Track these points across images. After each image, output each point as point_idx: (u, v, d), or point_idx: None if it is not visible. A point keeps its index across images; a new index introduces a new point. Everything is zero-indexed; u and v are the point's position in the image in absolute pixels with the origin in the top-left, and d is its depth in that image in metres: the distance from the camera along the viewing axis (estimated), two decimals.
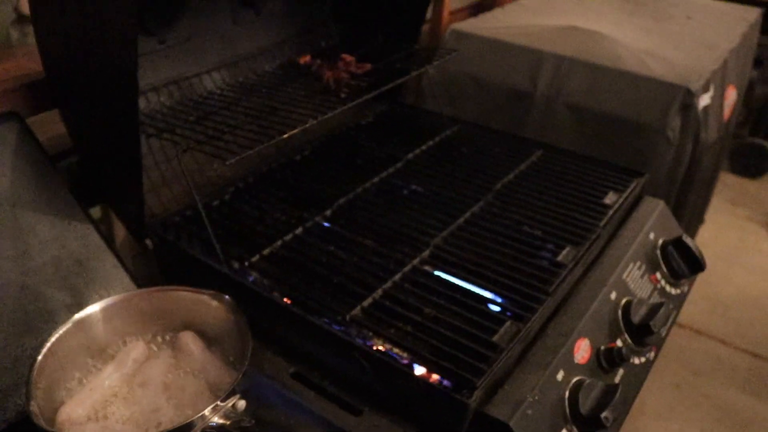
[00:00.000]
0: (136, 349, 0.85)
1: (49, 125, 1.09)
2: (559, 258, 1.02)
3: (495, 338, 0.87)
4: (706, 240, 2.38)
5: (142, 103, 1.09)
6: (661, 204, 1.19)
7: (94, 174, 1.09)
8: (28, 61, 1.06)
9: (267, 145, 0.97)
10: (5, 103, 0.97)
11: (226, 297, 0.85)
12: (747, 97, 2.48)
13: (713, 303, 2.33)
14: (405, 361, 0.85)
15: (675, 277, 1.12)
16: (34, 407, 0.70)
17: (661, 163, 1.51)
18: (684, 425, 1.91)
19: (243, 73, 1.26)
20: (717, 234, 2.68)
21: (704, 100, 1.56)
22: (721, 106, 1.73)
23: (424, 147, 1.34)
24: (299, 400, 0.88)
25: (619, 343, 0.96)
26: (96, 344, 0.84)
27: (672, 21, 1.92)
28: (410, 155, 1.31)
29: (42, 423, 0.69)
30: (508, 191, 1.19)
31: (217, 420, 0.71)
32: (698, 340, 2.25)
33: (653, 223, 1.15)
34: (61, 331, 0.79)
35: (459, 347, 0.85)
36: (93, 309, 0.84)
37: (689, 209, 1.78)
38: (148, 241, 1.07)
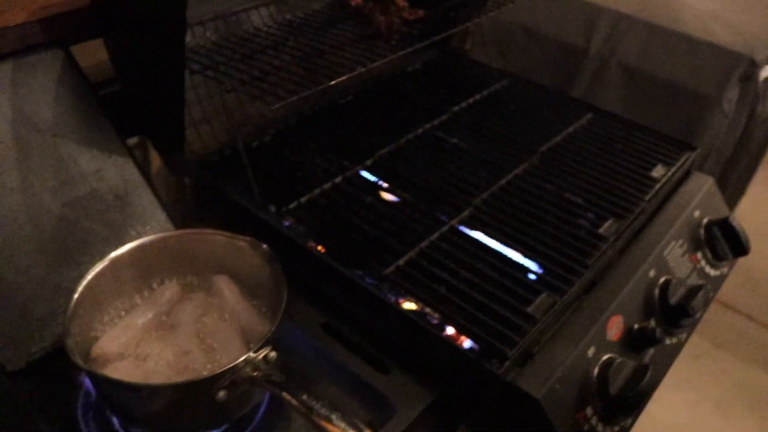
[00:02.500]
0: (170, 289, 0.86)
1: (92, 52, 1.07)
2: (601, 230, 0.99)
3: (530, 309, 0.86)
4: (744, 213, 2.31)
5: (188, 37, 1.07)
6: (710, 181, 1.15)
7: (135, 106, 1.08)
8: None
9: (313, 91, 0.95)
10: (49, 31, 0.95)
11: (264, 246, 0.84)
12: None
13: (745, 277, 2.30)
14: (436, 322, 0.85)
15: (717, 259, 1.09)
16: (70, 344, 0.71)
17: (711, 135, 1.46)
18: (700, 397, 1.92)
19: (291, 10, 1.22)
20: (757, 207, 2.61)
21: (766, 72, 1.49)
22: None
23: (470, 100, 1.30)
24: (328, 352, 0.88)
25: (653, 323, 0.94)
26: (131, 283, 0.85)
27: None
28: (456, 108, 1.27)
29: (78, 361, 0.70)
30: (554, 155, 1.16)
31: (248, 371, 0.71)
32: (725, 314, 2.23)
33: (700, 200, 1.11)
34: (98, 268, 0.80)
35: (492, 315, 0.84)
36: (129, 247, 0.84)
37: (733, 183, 1.74)
38: (185, 179, 1.07)
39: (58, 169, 0.92)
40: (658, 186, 1.09)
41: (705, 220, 1.10)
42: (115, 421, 0.80)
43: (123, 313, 0.84)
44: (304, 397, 0.67)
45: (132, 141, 1.11)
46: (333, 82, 0.97)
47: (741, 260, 1.13)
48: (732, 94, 1.43)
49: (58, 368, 0.83)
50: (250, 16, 1.17)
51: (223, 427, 0.80)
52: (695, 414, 1.93)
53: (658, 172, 1.13)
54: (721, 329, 2.17)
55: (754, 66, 1.39)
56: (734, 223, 1.08)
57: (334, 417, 0.65)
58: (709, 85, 1.43)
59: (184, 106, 0.95)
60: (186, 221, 1.02)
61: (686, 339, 1.02)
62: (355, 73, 0.99)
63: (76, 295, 0.76)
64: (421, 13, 1.17)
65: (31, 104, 0.92)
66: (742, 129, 1.51)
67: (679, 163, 1.15)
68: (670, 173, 1.12)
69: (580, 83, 1.58)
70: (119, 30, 1.00)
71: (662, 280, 0.98)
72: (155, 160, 1.23)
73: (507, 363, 0.79)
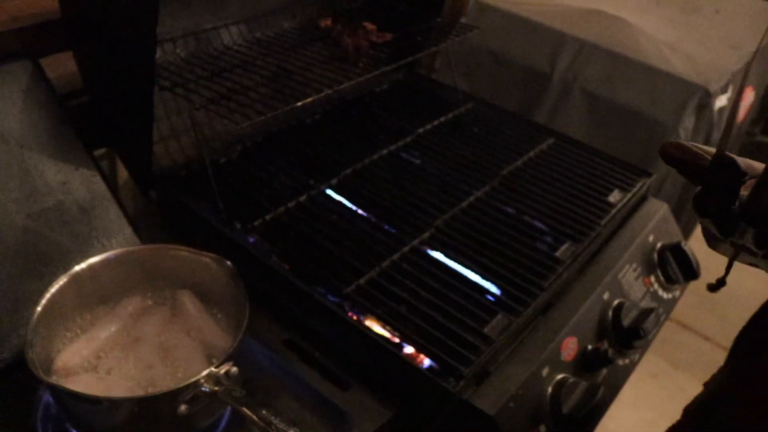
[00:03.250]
0: (134, 303, 0.86)
1: (60, 63, 1.07)
2: (558, 253, 1.03)
3: (486, 329, 0.88)
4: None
5: (158, 53, 1.08)
6: (664, 207, 1.19)
7: (103, 119, 1.08)
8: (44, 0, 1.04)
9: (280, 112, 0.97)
10: (19, 41, 0.95)
11: (228, 263, 0.85)
12: (766, 96, 2.44)
13: (702, 298, 2.36)
14: (396, 340, 0.87)
15: (669, 282, 1.13)
16: (32, 356, 0.71)
17: None
18: (656, 416, 1.96)
19: (261, 29, 1.24)
20: None
21: (721, 101, 1.55)
22: (737, 107, 1.72)
23: (436, 122, 1.33)
24: (289, 368, 0.90)
25: (605, 344, 0.98)
26: (95, 296, 0.85)
27: (699, 14, 1.89)
28: (421, 129, 1.30)
29: (40, 373, 0.70)
30: (515, 178, 1.19)
31: (209, 386, 0.72)
32: (682, 334, 2.29)
33: (654, 225, 1.15)
34: (61, 281, 0.80)
35: (450, 334, 0.87)
36: (94, 261, 0.84)
37: (690, 206, 1.79)
38: (152, 193, 1.07)
39: (24, 181, 0.92)
40: (614, 211, 1.13)
41: (658, 245, 1.14)
42: None
43: (86, 326, 0.84)
44: (264, 412, 0.69)
45: (99, 152, 1.12)
46: (300, 103, 0.99)
47: (699, 281, 1.17)
48: (688, 122, 1.49)
49: (19, 380, 0.83)
50: (221, 33, 1.18)
51: None
52: None
53: (614, 197, 1.17)
54: (678, 349, 2.22)
55: (708, 96, 1.45)
56: (686, 248, 1.12)
57: None
58: (666, 113, 1.48)
59: (152, 122, 0.96)
60: (152, 235, 1.03)
61: (639, 359, 1.05)
62: (322, 94, 1.02)
63: (39, 308, 0.76)
64: (388, 36, 1.20)
65: None
66: None
67: (635, 189, 1.19)
68: (626, 198, 1.16)
69: (544, 107, 1.63)
70: (89, 43, 1.01)
71: (616, 302, 1.02)
72: (122, 172, 1.24)
73: (463, 381, 0.81)
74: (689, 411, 0.73)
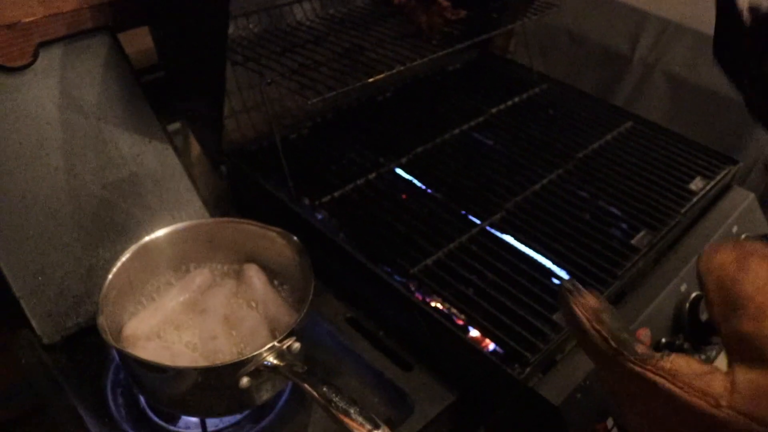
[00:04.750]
0: (201, 275, 0.88)
1: (137, 39, 1.09)
2: (633, 241, 0.98)
3: (555, 316, 0.85)
4: None
5: (231, 27, 1.08)
6: (750, 197, 1.13)
7: (177, 92, 1.10)
8: None
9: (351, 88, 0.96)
10: (99, 17, 0.97)
11: (294, 237, 0.85)
12: None
13: None
14: (461, 323, 0.85)
15: None
16: (102, 322, 0.73)
17: (757, 148, 1.42)
18: None
19: (334, 5, 1.23)
20: None
21: None
22: None
23: (509, 102, 1.30)
24: (352, 346, 0.89)
25: (681, 338, 0.93)
26: (163, 266, 0.87)
27: None
28: (494, 110, 1.27)
29: (109, 339, 0.72)
30: (590, 161, 1.14)
31: (271, 360, 0.72)
32: None
33: (739, 215, 1.09)
34: (132, 251, 0.82)
35: (517, 319, 0.84)
36: (164, 232, 0.86)
37: None
38: (222, 167, 1.08)
39: (100, 152, 0.94)
40: (695, 199, 1.07)
41: (743, 236, 1.08)
42: (141, 399, 0.83)
43: (155, 295, 0.86)
44: (324, 389, 0.68)
45: (173, 128, 1.14)
46: (371, 80, 0.98)
47: None
48: None
49: (91, 344, 0.86)
50: (293, 9, 1.18)
51: (245, 413, 0.82)
52: None
53: (696, 185, 1.11)
54: None
55: None
56: None
57: (352, 411, 0.65)
58: None
59: (224, 96, 0.97)
60: (221, 209, 1.04)
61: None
62: (394, 71, 1.00)
63: (110, 276, 0.78)
64: (463, 13, 1.16)
65: (78, 88, 0.95)
66: None
67: (719, 177, 1.13)
68: (708, 186, 1.10)
69: (623, 90, 1.56)
70: (165, 18, 1.02)
71: (694, 295, 0.97)
72: (195, 147, 1.25)
73: (528, 369, 0.79)
74: None
